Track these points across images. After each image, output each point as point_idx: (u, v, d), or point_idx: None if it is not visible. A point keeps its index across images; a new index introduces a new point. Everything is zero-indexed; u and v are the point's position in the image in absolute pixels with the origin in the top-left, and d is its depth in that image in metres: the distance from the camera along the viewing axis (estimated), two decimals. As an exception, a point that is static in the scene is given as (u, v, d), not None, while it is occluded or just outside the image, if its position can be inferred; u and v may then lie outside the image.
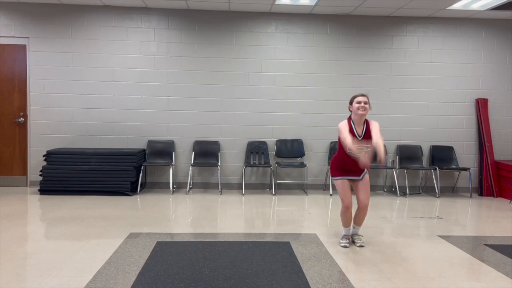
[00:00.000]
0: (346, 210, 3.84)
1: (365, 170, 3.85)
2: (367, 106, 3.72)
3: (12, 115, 6.52)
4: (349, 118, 3.82)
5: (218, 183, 6.53)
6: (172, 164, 6.48)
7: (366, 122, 3.80)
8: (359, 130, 3.76)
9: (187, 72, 6.61)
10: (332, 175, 3.93)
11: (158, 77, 6.58)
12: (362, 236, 4.00)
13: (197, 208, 5.39)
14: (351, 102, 3.82)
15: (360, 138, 3.73)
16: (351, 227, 3.98)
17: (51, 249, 3.59)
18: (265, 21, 6.64)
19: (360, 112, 3.71)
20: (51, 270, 3.12)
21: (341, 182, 3.85)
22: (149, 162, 6.40)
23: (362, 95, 3.78)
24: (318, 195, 6.41)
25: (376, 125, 3.78)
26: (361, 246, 3.87)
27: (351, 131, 3.74)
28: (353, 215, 3.93)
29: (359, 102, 3.72)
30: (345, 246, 3.85)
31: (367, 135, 3.75)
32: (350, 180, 3.86)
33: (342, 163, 3.82)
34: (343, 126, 3.72)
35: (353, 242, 3.95)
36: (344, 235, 3.96)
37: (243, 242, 3.90)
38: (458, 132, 6.85)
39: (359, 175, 3.83)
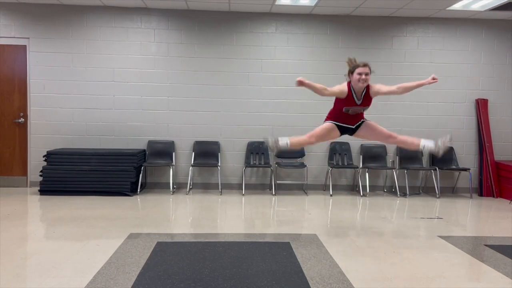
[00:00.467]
0: (304, 142, 3.83)
1: (363, 119, 3.82)
2: (368, 77, 3.61)
3: (12, 116, 6.52)
4: (349, 83, 3.74)
5: (218, 184, 6.52)
6: (172, 165, 6.48)
7: (367, 86, 3.72)
8: (358, 94, 3.71)
9: (187, 73, 6.61)
10: (325, 120, 3.89)
11: (158, 77, 6.58)
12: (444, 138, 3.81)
13: (197, 208, 5.39)
14: (352, 72, 3.68)
15: (359, 102, 3.69)
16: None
17: (51, 249, 3.59)
18: (265, 21, 6.64)
19: (360, 84, 3.63)
20: (51, 270, 3.11)
21: (328, 125, 3.80)
22: (149, 163, 6.41)
23: (364, 65, 3.65)
24: (318, 195, 6.41)
25: (378, 85, 3.73)
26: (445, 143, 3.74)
27: (350, 94, 3.67)
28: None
29: (360, 74, 3.63)
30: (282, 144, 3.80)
31: (366, 100, 3.70)
32: (357, 133, 3.85)
33: (338, 113, 3.80)
34: (340, 86, 3.69)
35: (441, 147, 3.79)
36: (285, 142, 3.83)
37: (243, 242, 3.90)
38: (458, 132, 6.84)
39: (354, 124, 3.80)
